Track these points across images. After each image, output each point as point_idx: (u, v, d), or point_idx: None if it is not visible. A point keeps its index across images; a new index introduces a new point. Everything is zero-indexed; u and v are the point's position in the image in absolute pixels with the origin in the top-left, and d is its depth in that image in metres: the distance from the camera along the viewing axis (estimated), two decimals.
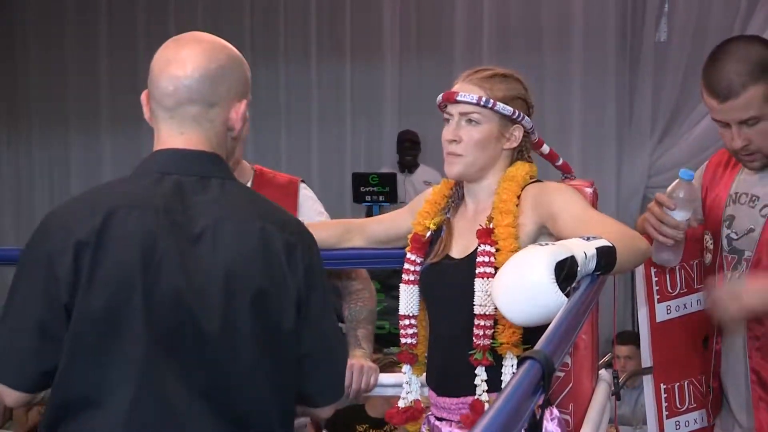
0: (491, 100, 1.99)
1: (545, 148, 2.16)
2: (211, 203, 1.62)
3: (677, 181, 2.22)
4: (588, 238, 1.65)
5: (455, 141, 2.02)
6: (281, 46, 7.34)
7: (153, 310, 1.54)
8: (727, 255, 2.30)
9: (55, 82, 7.63)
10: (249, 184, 2.52)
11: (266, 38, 7.34)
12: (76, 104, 7.64)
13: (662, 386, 2.56)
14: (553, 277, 1.51)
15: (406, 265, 2.12)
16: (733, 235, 2.29)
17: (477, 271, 1.93)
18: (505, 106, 2.00)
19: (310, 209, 2.49)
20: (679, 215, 2.19)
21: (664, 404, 2.56)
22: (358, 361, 2.39)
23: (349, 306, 2.53)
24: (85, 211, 1.60)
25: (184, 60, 1.67)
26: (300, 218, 2.46)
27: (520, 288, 1.53)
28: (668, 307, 2.56)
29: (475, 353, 1.93)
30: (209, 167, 1.66)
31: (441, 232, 2.11)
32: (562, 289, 1.53)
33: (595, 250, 1.62)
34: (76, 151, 7.71)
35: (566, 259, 1.55)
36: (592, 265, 1.62)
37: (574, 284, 1.60)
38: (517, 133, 2.04)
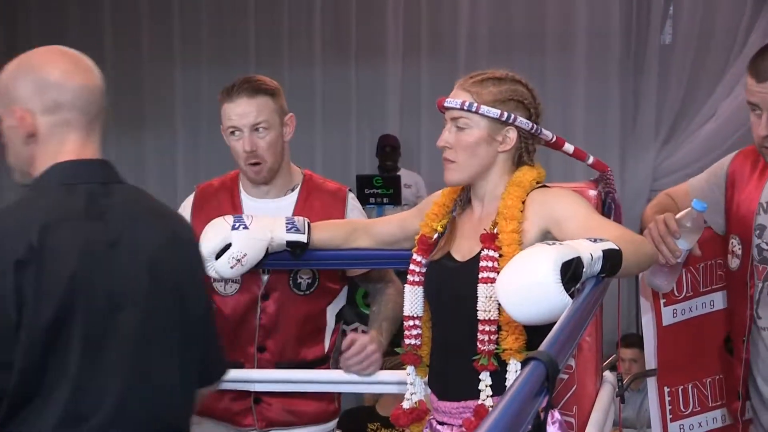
0: (475, 104, 1.98)
1: (569, 147, 2.13)
2: (121, 206, 1.71)
3: (689, 209, 2.21)
4: (595, 240, 1.66)
5: (447, 147, 2.03)
6: (285, 48, 7.34)
7: (91, 314, 1.60)
8: (757, 265, 2.30)
9: None
10: (298, 188, 2.59)
11: (270, 40, 7.34)
12: None
13: (666, 389, 2.55)
14: (559, 277, 1.52)
15: (412, 266, 2.11)
16: (764, 245, 2.28)
17: (480, 276, 1.92)
18: (491, 108, 1.98)
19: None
20: (681, 244, 2.20)
21: (668, 407, 2.55)
22: (369, 337, 2.41)
23: (379, 304, 2.57)
24: (16, 228, 1.60)
25: (87, 70, 1.77)
26: None
27: (525, 287, 1.54)
28: (674, 311, 2.56)
29: (479, 358, 1.93)
30: (108, 173, 1.75)
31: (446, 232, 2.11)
32: (567, 290, 1.53)
33: (601, 252, 1.63)
34: None
35: (572, 259, 1.56)
36: (598, 267, 1.63)
37: (578, 285, 1.60)
38: (512, 135, 2.02)
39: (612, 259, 1.65)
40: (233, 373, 2.64)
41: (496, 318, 1.90)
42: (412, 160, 6.97)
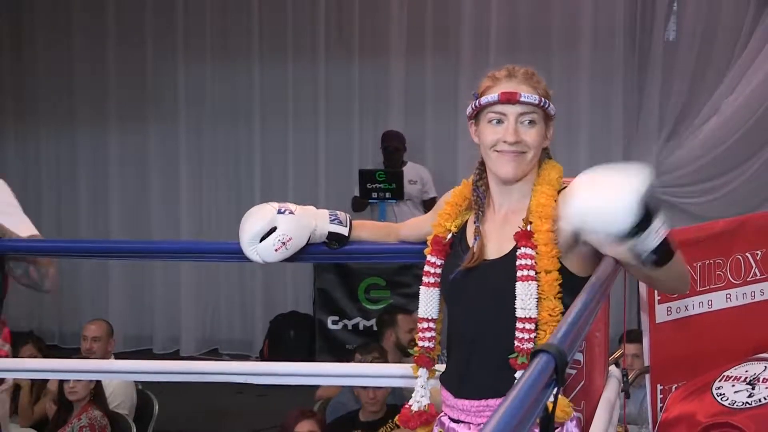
0: (547, 101, 1.97)
1: None
2: None
3: None
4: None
5: (517, 142, 1.96)
6: (289, 45, 7.34)
7: None
8: None
9: (63, 80, 7.64)
10: None
11: (274, 36, 7.34)
12: (83, 102, 7.65)
13: (659, 387, 2.55)
14: (641, 194, 1.64)
15: (427, 268, 2.09)
16: None
17: (518, 275, 1.90)
18: (552, 105, 1.99)
19: None
20: None
21: (659, 405, 2.55)
22: None
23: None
24: None
25: None
26: None
27: (608, 180, 1.67)
28: (669, 309, 2.56)
29: (518, 357, 1.90)
30: None
31: (463, 235, 2.08)
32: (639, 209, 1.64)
33: (663, 234, 1.70)
34: (83, 149, 7.72)
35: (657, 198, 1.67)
36: (656, 242, 1.70)
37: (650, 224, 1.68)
38: (553, 130, 2.04)
39: (667, 251, 1.72)
40: (221, 366, 2.67)
41: (535, 316, 1.89)
42: (417, 156, 6.95)
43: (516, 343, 1.91)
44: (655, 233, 1.67)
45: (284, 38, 7.34)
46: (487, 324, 1.98)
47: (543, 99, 1.97)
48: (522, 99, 1.94)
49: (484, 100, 1.98)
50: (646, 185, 1.64)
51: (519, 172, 1.99)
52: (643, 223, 1.65)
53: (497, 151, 1.97)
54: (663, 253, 1.70)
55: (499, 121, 1.97)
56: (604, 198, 1.66)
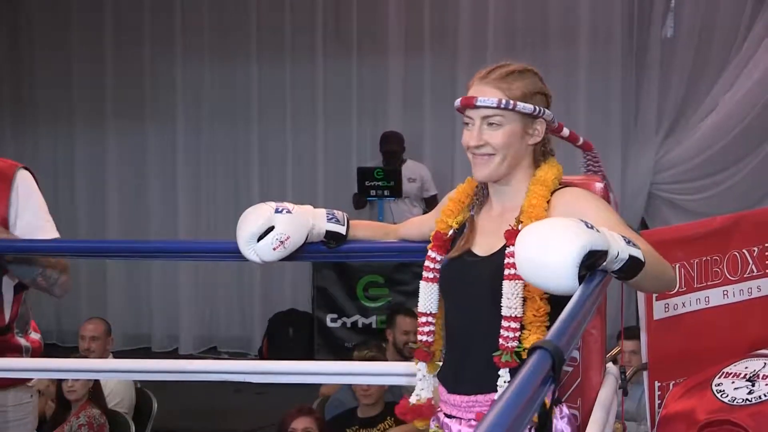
0: (511, 102, 1.95)
1: (565, 132, 2.14)
2: None
3: None
4: (628, 242, 1.69)
5: (481, 146, 1.98)
6: (287, 44, 7.34)
7: None
8: None
9: (61, 79, 7.63)
10: None
11: (272, 35, 7.34)
12: (81, 101, 7.64)
13: (656, 383, 2.56)
14: (579, 262, 1.55)
15: (427, 263, 2.10)
16: None
17: (505, 273, 1.90)
18: (526, 105, 1.96)
19: (29, 201, 2.73)
20: None
21: (657, 401, 2.56)
22: None
23: None
24: None
25: None
26: (17, 204, 2.65)
27: (542, 260, 1.57)
28: (666, 306, 2.56)
29: (501, 354, 1.91)
30: None
31: (464, 230, 2.09)
32: (579, 273, 1.56)
33: (627, 256, 1.66)
34: (81, 148, 7.71)
35: (599, 251, 1.59)
36: (616, 267, 1.66)
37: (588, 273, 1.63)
38: (540, 128, 2.01)
39: (633, 267, 1.68)
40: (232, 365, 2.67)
41: (520, 315, 1.89)
42: (415, 154, 6.95)
43: (500, 341, 1.91)
44: (615, 261, 1.64)
45: (282, 37, 7.33)
46: (476, 321, 1.99)
47: (506, 100, 1.95)
48: (478, 104, 1.96)
49: (456, 103, 2.01)
50: (583, 248, 1.55)
51: (493, 174, 2.00)
52: (590, 269, 1.61)
53: (471, 153, 2.01)
54: (626, 271, 1.68)
55: (468, 124, 2.00)
56: (546, 280, 1.60)
